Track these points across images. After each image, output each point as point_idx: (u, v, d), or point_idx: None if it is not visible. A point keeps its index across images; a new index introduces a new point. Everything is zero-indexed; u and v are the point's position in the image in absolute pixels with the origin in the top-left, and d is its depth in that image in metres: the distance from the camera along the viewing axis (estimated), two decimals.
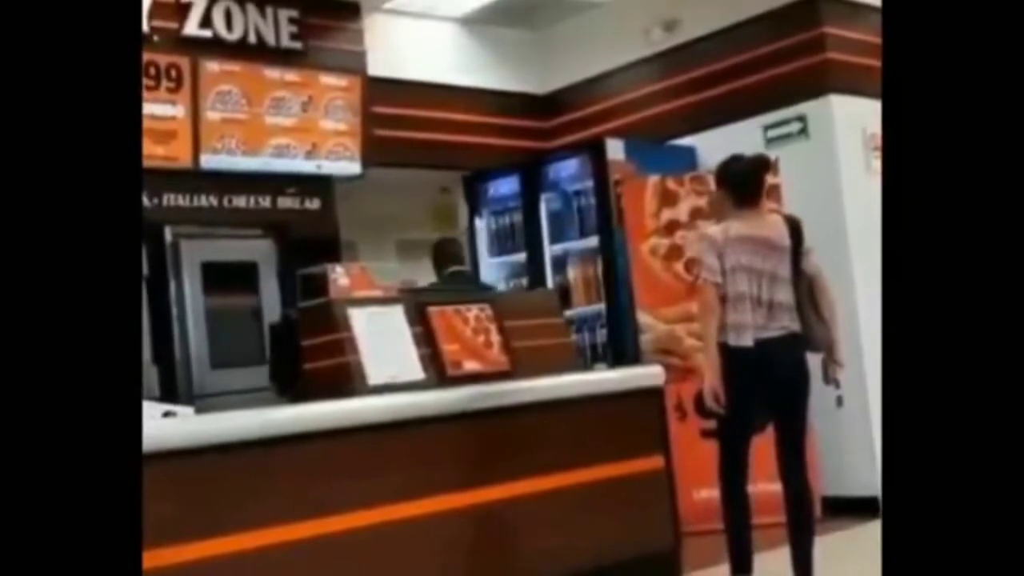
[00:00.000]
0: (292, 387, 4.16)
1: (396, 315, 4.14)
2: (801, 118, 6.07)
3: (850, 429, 5.58)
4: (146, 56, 5.39)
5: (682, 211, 6.04)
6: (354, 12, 6.36)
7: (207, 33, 5.70)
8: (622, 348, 6.22)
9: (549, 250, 6.73)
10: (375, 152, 6.28)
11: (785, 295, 4.05)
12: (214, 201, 5.76)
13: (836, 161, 5.93)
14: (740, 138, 5.69)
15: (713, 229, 4.14)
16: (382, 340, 4.03)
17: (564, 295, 6.34)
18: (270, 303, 5.82)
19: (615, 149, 6.37)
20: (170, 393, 5.26)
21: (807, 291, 4.11)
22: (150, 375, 5.43)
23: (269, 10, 5.93)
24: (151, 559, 2.96)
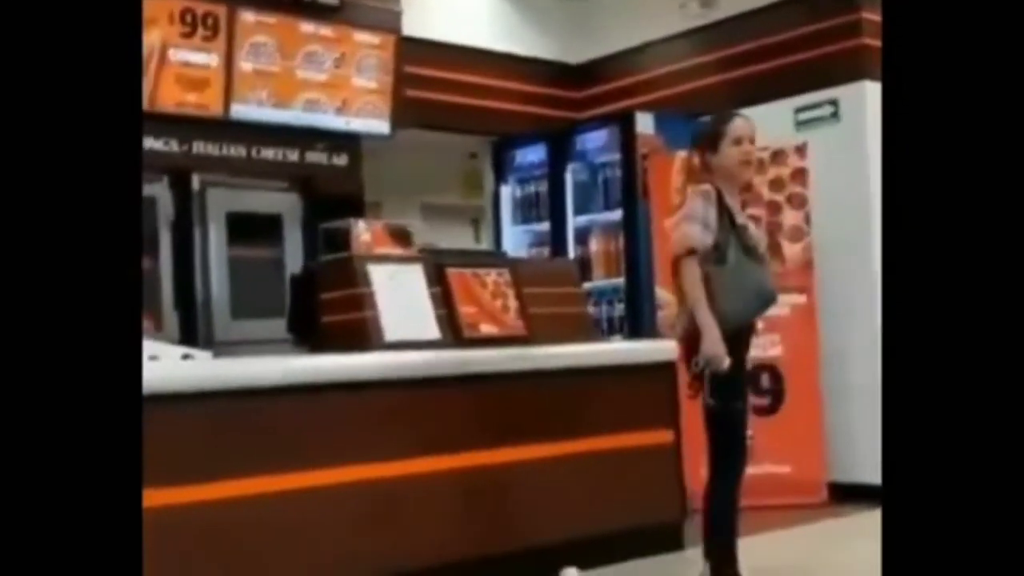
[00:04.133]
0: (309, 339, 4.21)
1: (415, 274, 4.17)
2: (833, 102, 6.02)
3: (858, 416, 5.58)
4: (184, 3, 5.42)
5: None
6: None
7: None
8: (639, 323, 6.23)
9: (573, 221, 6.72)
10: (405, 113, 6.28)
11: None
12: (243, 151, 5.80)
13: (866, 147, 5.88)
14: (770, 119, 5.64)
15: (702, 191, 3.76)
16: (400, 298, 4.06)
17: (585, 267, 6.35)
18: (293, 256, 5.86)
19: (645, 122, 6.35)
20: (190, 339, 5.31)
21: None
22: (171, 320, 5.50)
23: None
24: (160, 498, 3.04)
